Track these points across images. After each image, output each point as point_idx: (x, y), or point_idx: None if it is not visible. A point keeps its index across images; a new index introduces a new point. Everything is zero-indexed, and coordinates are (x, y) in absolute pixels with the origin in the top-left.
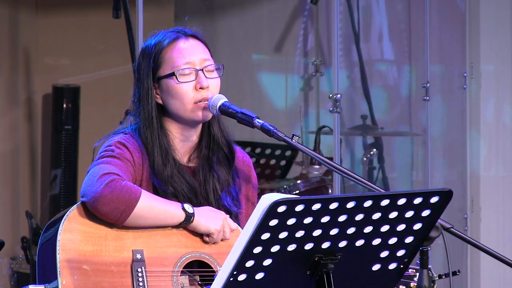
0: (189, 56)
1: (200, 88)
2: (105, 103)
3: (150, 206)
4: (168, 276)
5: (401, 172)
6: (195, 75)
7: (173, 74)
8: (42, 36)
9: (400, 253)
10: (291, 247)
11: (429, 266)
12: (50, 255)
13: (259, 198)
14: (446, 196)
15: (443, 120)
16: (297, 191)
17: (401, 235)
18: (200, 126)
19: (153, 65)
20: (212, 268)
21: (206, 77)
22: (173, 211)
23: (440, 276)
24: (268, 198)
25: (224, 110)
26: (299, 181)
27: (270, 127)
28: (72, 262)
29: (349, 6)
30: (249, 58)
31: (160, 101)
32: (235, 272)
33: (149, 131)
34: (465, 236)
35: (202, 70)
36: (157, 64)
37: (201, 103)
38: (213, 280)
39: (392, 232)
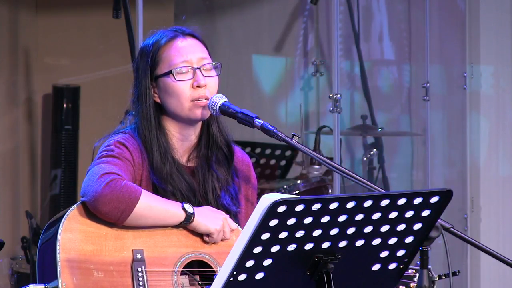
0: (187, 54)
1: (197, 86)
2: (105, 103)
3: (150, 205)
4: (168, 275)
5: (401, 172)
6: (192, 74)
7: (170, 72)
8: (42, 36)
9: (400, 253)
10: (291, 247)
11: (429, 267)
12: (50, 254)
13: (259, 198)
14: (446, 196)
15: (443, 120)
16: (297, 191)
17: (401, 235)
18: (199, 125)
19: (151, 64)
20: (212, 268)
21: (203, 75)
22: (173, 210)
23: (440, 277)
24: (268, 198)
25: (224, 110)
26: (299, 181)
27: (270, 127)
28: (72, 261)
29: (349, 6)
30: (249, 58)
31: (158, 100)
32: (235, 272)
33: (148, 130)
34: (465, 236)
35: (199, 68)
36: (155, 63)
37: (199, 101)
38: (213, 280)
39: (392, 232)
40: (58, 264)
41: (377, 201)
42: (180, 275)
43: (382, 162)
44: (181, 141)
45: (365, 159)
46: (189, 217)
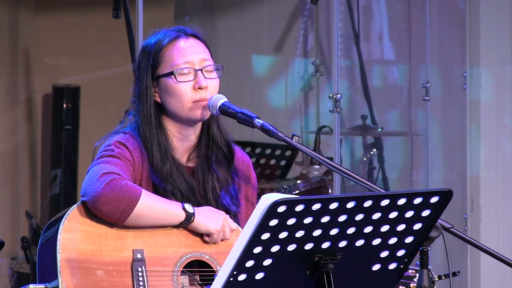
0: (189, 55)
1: (199, 88)
2: (105, 103)
3: (151, 205)
4: (168, 275)
5: (401, 172)
6: (194, 75)
7: (172, 73)
8: (42, 36)
9: (400, 253)
10: (291, 247)
11: (429, 267)
12: (50, 254)
13: (259, 198)
14: (446, 196)
15: (443, 120)
16: (297, 191)
17: (401, 235)
18: (199, 126)
19: (153, 63)
20: (212, 268)
21: (205, 77)
22: (173, 210)
23: (439, 277)
24: (268, 198)
25: (224, 110)
26: (299, 181)
27: (270, 127)
28: (72, 261)
29: (349, 6)
30: (249, 58)
31: (158, 100)
32: (235, 272)
33: (148, 129)
34: (465, 236)
35: (201, 70)
36: (157, 63)
37: (199, 102)
38: (213, 280)
39: (392, 232)
40: (58, 264)
41: (377, 201)
42: (180, 275)
43: (382, 162)
44: (181, 141)
45: (365, 159)
46: (189, 217)
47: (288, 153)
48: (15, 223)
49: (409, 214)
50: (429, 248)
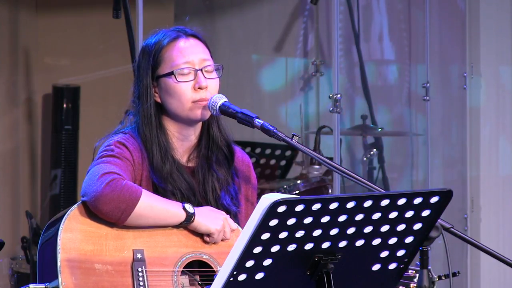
0: (189, 55)
1: (199, 88)
2: (105, 103)
3: (151, 205)
4: (169, 275)
5: (401, 172)
6: (194, 75)
7: (172, 73)
8: (42, 36)
9: (400, 253)
10: (291, 247)
11: (429, 267)
12: (50, 254)
13: (259, 198)
14: (446, 196)
15: (443, 120)
16: (297, 191)
17: (401, 235)
18: (199, 126)
19: (153, 63)
20: (212, 268)
21: (205, 77)
22: (173, 210)
23: (439, 277)
24: (268, 198)
25: (224, 110)
26: (299, 181)
27: (270, 127)
28: (72, 261)
29: (349, 6)
30: (249, 58)
31: (158, 100)
32: (235, 272)
33: (148, 129)
34: (465, 236)
35: (201, 70)
36: (157, 63)
37: (199, 102)
38: (213, 280)
39: (392, 232)
40: (59, 263)
41: (377, 201)
42: (180, 275)
43: (382, 162)
44: (181, 141)
45: (365, 159)
46: (190, 217)
47: (288, 153)
48: (15, 223)
49: (409, 214)
50: (429, 248)
